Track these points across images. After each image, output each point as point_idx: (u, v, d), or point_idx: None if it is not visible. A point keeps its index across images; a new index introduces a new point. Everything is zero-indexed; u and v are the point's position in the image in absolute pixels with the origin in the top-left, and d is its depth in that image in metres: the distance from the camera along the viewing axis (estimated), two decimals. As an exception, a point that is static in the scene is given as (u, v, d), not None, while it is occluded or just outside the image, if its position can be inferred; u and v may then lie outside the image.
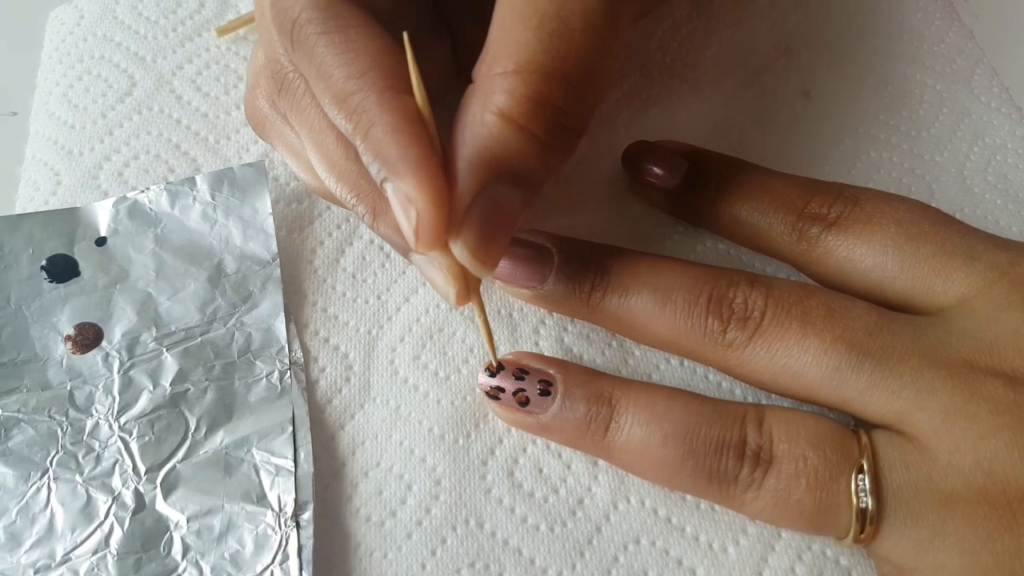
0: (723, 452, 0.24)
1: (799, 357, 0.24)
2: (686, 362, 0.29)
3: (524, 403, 0.26)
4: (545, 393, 0.26)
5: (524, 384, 0.26)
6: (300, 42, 0.23)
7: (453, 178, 0.22)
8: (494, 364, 0.27)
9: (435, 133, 0.22)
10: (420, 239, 0.22)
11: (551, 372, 0.26)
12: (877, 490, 0.22)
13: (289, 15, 0.23)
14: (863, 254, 0.26)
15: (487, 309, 0.30)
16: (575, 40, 0.22)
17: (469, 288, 0.25)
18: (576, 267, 0.28)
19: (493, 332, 0.29)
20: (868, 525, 0.22)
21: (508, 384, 0.26)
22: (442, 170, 0.22)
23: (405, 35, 0.21)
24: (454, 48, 0.30)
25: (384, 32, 0.23)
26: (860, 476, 0.23)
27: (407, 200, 0.22)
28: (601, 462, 0.27)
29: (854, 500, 0.22)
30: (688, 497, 0.27)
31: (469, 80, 0.23)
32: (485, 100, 0.22)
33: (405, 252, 0.27)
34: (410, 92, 0.22)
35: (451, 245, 0.23)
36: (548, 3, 0.22)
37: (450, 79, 0.31)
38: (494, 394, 0.27)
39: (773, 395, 0.27)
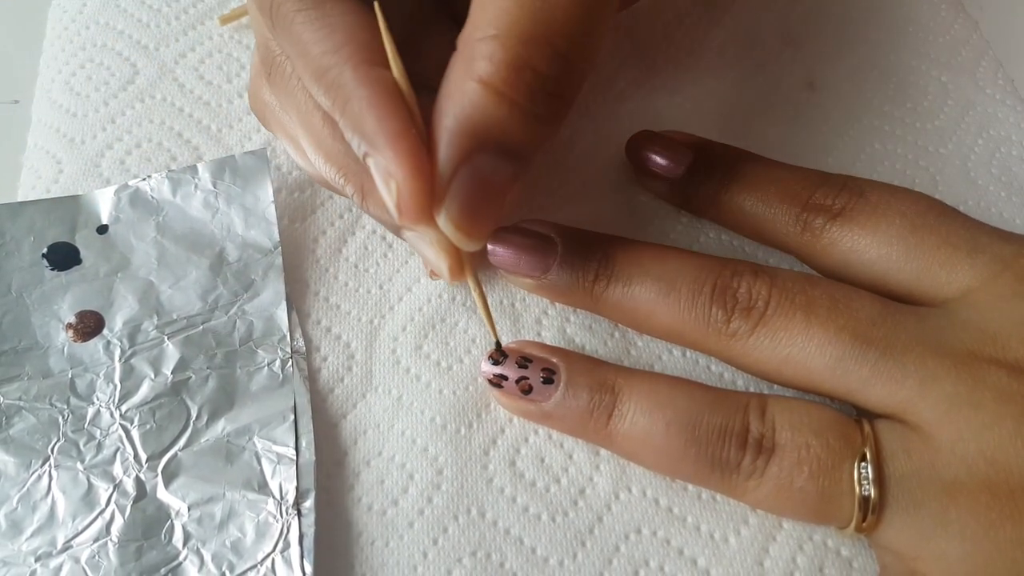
0: (725, 440, 0.24)
1: (803, 346, 0.24)
2: (688, 353, 0.29)
3: (527, 391, 0.26)
4: (548, 381, 0.26)
5: (527, 372, 0.26)
6: (279, 20, 0.23)
7: (436, 149, 0.22)
8: (494, 339, 0.27)
9: (415, 105, 0.22)
10: (402, 213, 0.22)
11: (554, 360, 0.26)
12: (879, 478, 0.22)
13: None
14: (867, 245, 0.26)
15: (489, 300, 0.30)
16: (559, 3, 0.21)
17: (463, 263, 0.25)
18: (580, 256, 0.27)
19: (495, 322, 0.29)
20: (870, 514, 0.22)
21: (511, 372, 0.26)
22: (422, 142, 0.22)
23: (376, 5, 0.21)
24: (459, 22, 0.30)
25: (360, 6, 0.23)
26: (863, 464, 0.23)
27: (387, 173, 0.21)
28: (603, 452, 0.27)
29: (856, 488, 0.22)
30: (689, 487, 0.27)
31: None
32: (466, 67, 0.21)
33: (396, 230, 0.27)
34: (387, 66, 0.22)
35: (436, 218, 0.23)
36: None
37: None
38: (497, 382, 0.27)
39: (776, 386, 0.27)
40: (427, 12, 0.29)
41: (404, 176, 0.21)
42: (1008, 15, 0.38)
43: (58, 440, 0.27)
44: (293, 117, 0.27)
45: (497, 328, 0.29)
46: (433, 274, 0.30)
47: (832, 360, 0.24)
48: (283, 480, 0.26)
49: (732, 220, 0.30)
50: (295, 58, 0.23)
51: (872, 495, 0.22)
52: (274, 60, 0.26)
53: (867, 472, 0.22)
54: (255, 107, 0.30)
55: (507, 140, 0.22)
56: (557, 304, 0.30)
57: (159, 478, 0.26)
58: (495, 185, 0.23)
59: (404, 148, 0.21)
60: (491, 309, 0.28)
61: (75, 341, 0.28)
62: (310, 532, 0.25)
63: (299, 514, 0.25)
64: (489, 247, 0.28)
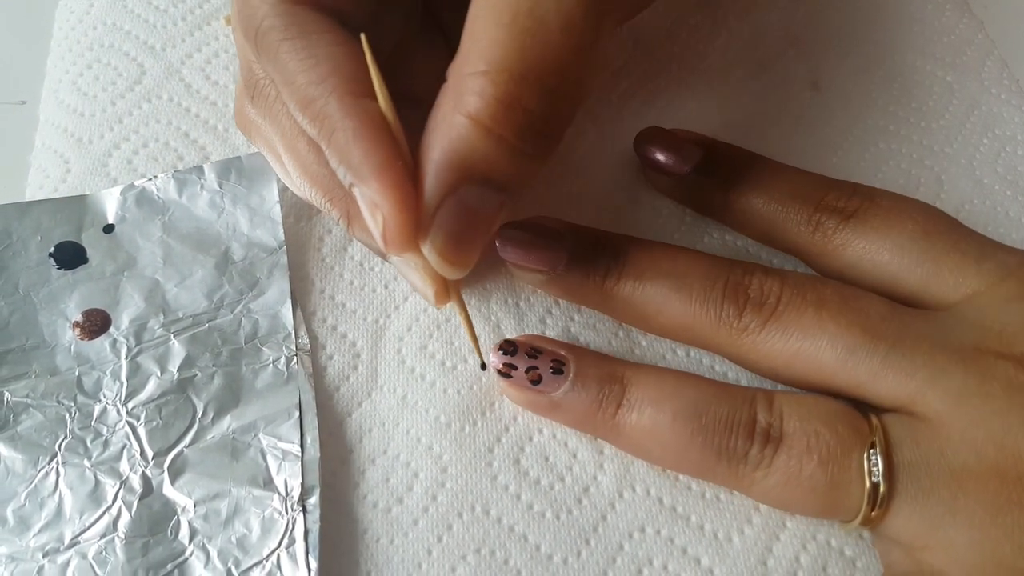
0: (733, 430, 0.24)
1: (814, 340, 0.24)
2: (692, 352, 0.29)
3: (536, 381, 0.26)
4: (558, 372, 0.26)
5: (537, 363, 0.26)
6: (264, 48, 0.23)
7: (422, 180, 0.22)
8: (480, 360, 0.27)
9: (401, 136, 0.22)
10: (388, 242, 0.22)
11: (563, 353, 0.27)
12: (889, 466, 0.22)
13: (252, 22, 0.23)
14: (880, 247, 0.26)
15: (496, 297, 0.30)
16: (551, 40, 0.21)
17: (448, 288, 0.25)
18: (590, 252, 0.28)
19: (499, 322, 0.29)
20: (879, 505, 0.22)
21: (521, 362, 0.26)
22: (408, 173, 0.22)
23: (363, 37, 0.21)
24: (450, 50, 0.30)
25: (348, 38, 0.23)
26: (872, 451, 0.23)
27: (373, 204, 0.22)
28: (607, 450, 0.27)
29: (866, 477, 0.22)
30: (693, 486, 0.27)
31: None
32: (455, 101, 0.21)
33: (383, 255, 0.27)
34: (373, 96, 0.22)
35: (422, 247, 0.23)
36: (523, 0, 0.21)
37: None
38: (506, 372, 0.27)
39: (780, 387, 0.27)
40: (416, 27, 0.29)
41: (390, 207, 0.21)
42: (1013, 15, 0.38)
43: (65, 437, 0.27)
44: (276, 139, 0.27)
45: (501, 328, 0.29)
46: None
47: (843, 352, 0.24)
48: (288, 476, 0.26)
49: (740, 220, 0.30)
50: (281, 86, 0.23)
51: (881, 484, 0.22)
52: (257, 83, 0.26)
53: (876, 460, 0.22)
54: (240, 123, 0.30)
55: (494, 174, 0.22)
56: (561, 303, 0.30)
57: (165, 475, 0.26)
58: (480, 216, 0.23)
59: (390, 180, 0.21)
60: (495, 308, 0.28)
61: (82, 339, 0.29)
62: (315, 528, 0.25)
63: (304, 510, 0.26)
64: (499, 243, 0.28)
